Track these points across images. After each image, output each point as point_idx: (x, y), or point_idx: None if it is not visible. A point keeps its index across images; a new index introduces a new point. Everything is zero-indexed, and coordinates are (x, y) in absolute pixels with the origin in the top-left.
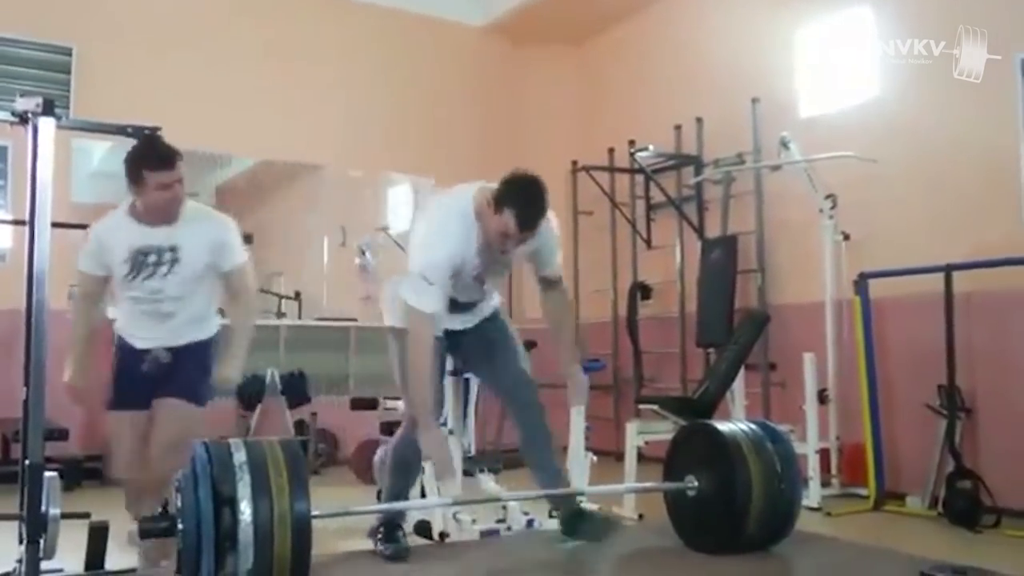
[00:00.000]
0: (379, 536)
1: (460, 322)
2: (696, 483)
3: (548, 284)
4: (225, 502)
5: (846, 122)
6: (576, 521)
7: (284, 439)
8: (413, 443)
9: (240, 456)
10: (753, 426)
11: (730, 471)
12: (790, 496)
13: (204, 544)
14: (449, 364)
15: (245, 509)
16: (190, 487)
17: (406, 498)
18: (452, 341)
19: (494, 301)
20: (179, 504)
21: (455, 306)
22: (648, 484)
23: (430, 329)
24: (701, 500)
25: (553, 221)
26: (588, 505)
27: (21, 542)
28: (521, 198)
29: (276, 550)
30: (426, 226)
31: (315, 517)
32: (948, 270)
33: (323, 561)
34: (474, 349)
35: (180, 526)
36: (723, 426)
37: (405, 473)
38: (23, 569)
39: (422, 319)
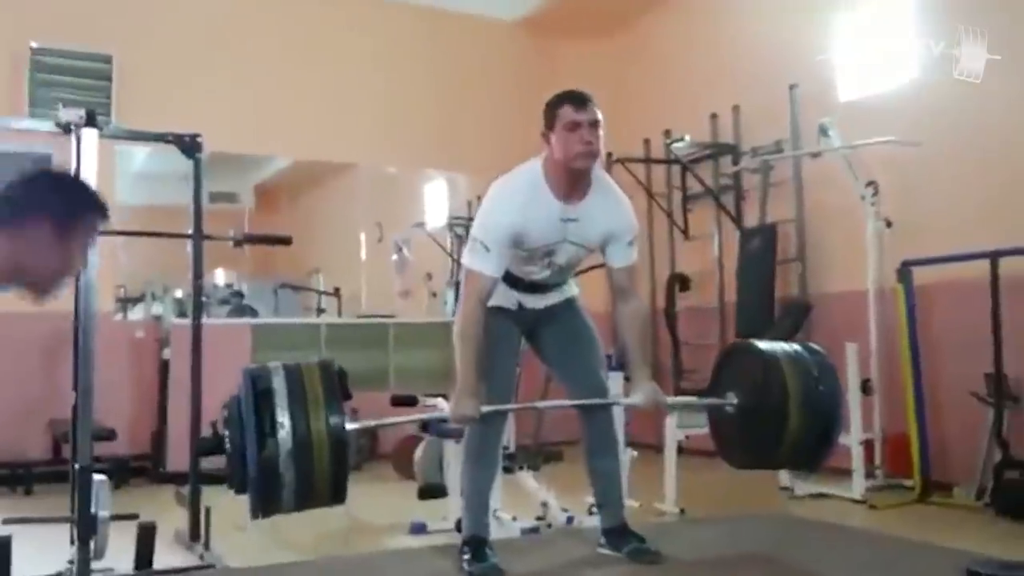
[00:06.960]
0: (465, 554)
1: (538, 300)
2: (735, 400)
3: (623, 295)
4: (264, 398)
5: (887, 105)
6: (621, 538)
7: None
8: (481, 432)
9: (276, 365)
10: (793, 344)
11: (765, 377)
12: (829, 397)
13: (247, 437)
14: None
15: (282, 401)
16: (234, 402)
17: (487, 499)
18: (530, 324)
19: (573, 289)
20: (226, 416)
21: (530, 286)
22: (689, 399)
23: (484, 292)
24: (741, 413)
25: (624, 199)
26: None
27: (72, 543)
28: (561, 94)
29: (313, 436)
30: (491, 192)
31: (351, 428)
32: (994, 256)
33: (369, 558)
34: (551, 338)
35: (227, 436)
36: (761, 342)
37: (485, 464)
38: (75, 569)
39: (477, 280)
